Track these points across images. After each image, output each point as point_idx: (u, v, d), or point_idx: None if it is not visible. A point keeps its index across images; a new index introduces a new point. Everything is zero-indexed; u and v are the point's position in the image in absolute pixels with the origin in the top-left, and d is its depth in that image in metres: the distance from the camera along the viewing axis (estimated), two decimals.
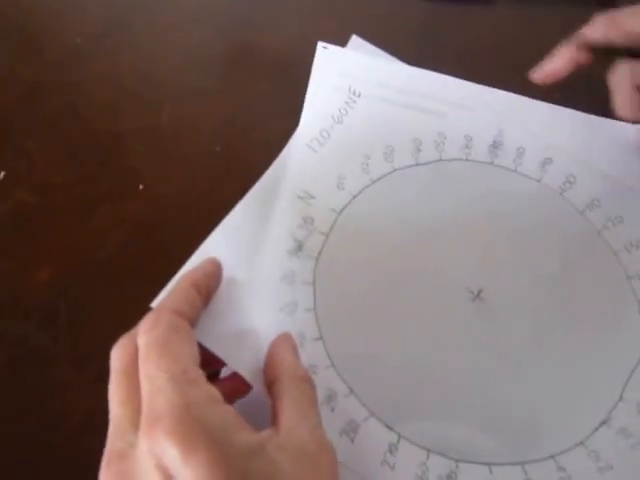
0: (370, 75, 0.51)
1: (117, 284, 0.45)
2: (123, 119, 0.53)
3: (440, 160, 0.48)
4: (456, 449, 0.39)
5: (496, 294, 0.43)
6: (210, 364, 0.36)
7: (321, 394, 0.39)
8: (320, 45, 0.51)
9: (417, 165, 0.48)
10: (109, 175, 0.50)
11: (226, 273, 0.39)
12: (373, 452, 0.38)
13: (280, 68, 0.56)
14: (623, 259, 0.45)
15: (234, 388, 0.37)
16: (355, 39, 0.54)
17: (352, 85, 0.50)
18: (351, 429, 0.39)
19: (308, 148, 0.47)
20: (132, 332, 0.33)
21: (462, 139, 0.49)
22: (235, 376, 0.37)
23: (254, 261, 0.42)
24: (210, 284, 0.37)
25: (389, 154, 0.48)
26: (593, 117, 0.49)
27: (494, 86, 0.50)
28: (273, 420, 0.33)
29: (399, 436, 0.39)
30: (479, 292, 0.43)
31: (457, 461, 0.38)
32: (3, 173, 0.49)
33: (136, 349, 0.32)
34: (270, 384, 0.34)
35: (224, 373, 0.39)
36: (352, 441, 0.38)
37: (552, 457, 0.39)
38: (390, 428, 0.39)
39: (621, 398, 0.41)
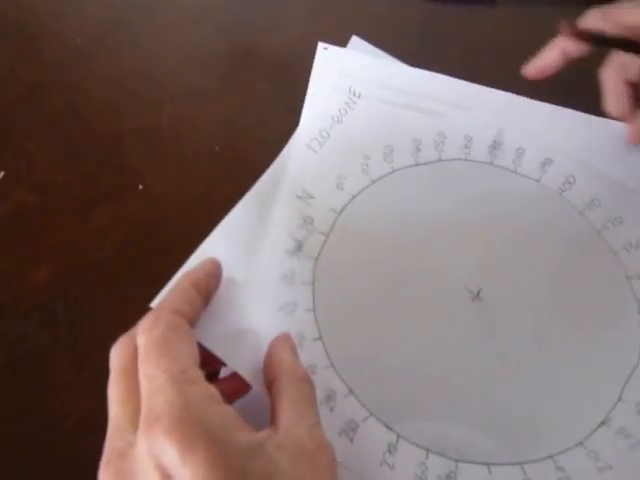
0: (370, 75, 0.51)
1: (117, 284, 0.45)
2: (123, 119, 0.53)
3: (440, 160, 0.48)
4: (455, 449, 0.39)
5: (495, 294, 0.43)
6: (209, 364, 0.36)
7: (320, 394, 0.39)
8: (320, 46, 0.51)
9: (417, 165, 0.48)
10: (109, 175, 0.50)
11: (226, 273, 0.39)
12: (372, 452, 0.38)
13: (280, 68, 0.56)
14: (623, 259, 0.45)
15: (233, 388, 0.37)
16: (355, 40, 0.54)
17: (352, 85, 0.50)
18: (350, 429, 0.39)
19: (308, 148, 0.47)
20: (131, 332, 0.33)
21: (462, 139, 0.49)
22: (234, 376, 0.37)
23: (254, 261, 0.42)
24: (210, 284, 0.37)
25: (389, 154, 0.48)
26: (593, 117, 0.49)
27: (494, 86, 0.50)
28: (272, 420, 0.33)
29: (398, 436, 0.39)
30: (478, 292, 0.43)
31: (456, 461, 0.38)
32: (3, 173, 0.49)
33: (135, 349, 0.32)
34: (269, 384, 0.34)
35: (223, 373, 0.39)
36: (351, 441, 0.38)
37: (551, 457, 0.39)
38: (389, 428, 0.39)
39: (620, 398, 0.41)
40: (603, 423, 0.40)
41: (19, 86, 0.54)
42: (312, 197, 0.45)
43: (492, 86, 0.50)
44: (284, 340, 0.37)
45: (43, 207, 0.48)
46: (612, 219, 0.46)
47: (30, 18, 0.58)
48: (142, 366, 0.31)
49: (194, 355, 0.32)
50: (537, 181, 0.48)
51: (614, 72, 0.46)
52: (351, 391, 0.40)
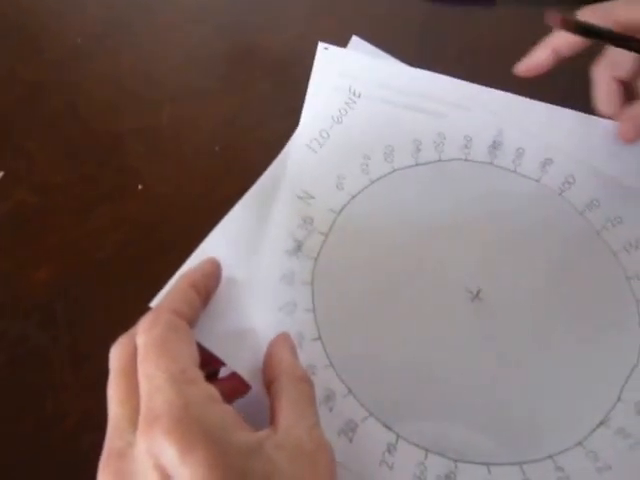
0: (370, 76, 0.51)
1: (116, 284, 0.45)
2: (123, 119, 0.53)
3: (440, 160, 0.48)
4: (455, 449, 0.39)
5: (495, 294, 0.43)
6: (209, 364, 0.36)
7: (320, 394, 0.39)
8: (321, 46, 0.51)
9: (417, 165, 0.48)
10: (109, 175, 0.50)
11: (225, 273, 0.39)
12: (371, 452, 0.38)
13: (280, 68, 0.56)
14: (622, 259, 0.45)
15: (233, 388, 0.37)
16: (355, 40, 0.54)
17: (352, 85, 0.50)
18: (350, 429, 0.39)
19: (308, 148, 0.47)
20: (131, 332, 0.33)
21: (462, 139, 0.49)
22: (234, 376, 0.37)
23: (253, 261, 0.42)
24: (209, 284, 0.37)
25: (389, 154, 0.48)
26: (592, 117, 0.49)
27: (494, 86, 0.50)
28: (271, 420, 0.33)
29: (397, 436, 0.39)
30: (478, 292, 0.43)
31: (456, 461, 0.38)
32: (2, 173, 0.49)
33: (135, 349, 0.32)
34: (269, 384, 0.34)
35: (223, 373, 0.39)
36: (350, 441, 0.38)
37: (550, 457, 0.39)
38: (389, 428, 0.39)
39: (619, 398, 0.41)
40: (602, 423, 0.40)
41: (19, 86, 0.54)
42: (312, 197, 0.45)
43: (492, 86, 0.50)
44: (283, 340, 0.37)
45: (43, 207, 0.48)
46: (612, 219, 0.46)
47: (30, 18, 0.59)
48: (141, 366, 0.31)
49: (193, 355, 0.32)
50: (537, 181, 0.48)
51: (606, 69, 0.46)
52: (350, 391, 0.40)
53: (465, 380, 0.41)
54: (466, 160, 0.48)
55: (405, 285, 0.44)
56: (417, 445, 0.39)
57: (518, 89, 0.50)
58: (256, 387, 0.36)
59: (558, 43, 0.46)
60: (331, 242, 0.44)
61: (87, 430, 0.40)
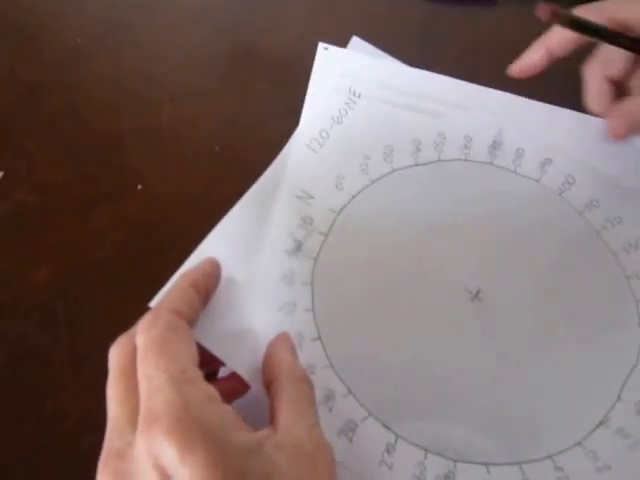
0: (370, 76, 0.51)
1: (116, 284, 0.45)
2: (123, 119, 0.53)
3: (439, 160, 0.48)
4: (454, 449, 0.39)
5: (494, 294, 0.43)
6: (208, 364, 0.36)
7: (319, 394, 0.39)
8: (321, 46, 0.51)
9: (416, 165, 0.48)
10: (109, 175, 0.50)
11: (225, 273, 0.39)
12: (371, 452, 0.38)
13: (280, 68, 0.56)
14: (622, 259, 0.45)
15: (232, 388, 0.37)
16: (356, 40, 0.54)
17: (352, 86, 0.50)
18: (349, 429, 0.39)
19: (307, 148, 0.47)
20: (130, 331, 0.33)
21: (462, 139, 0.49)
22: (233, 376, 0.37)
23: (253, 261, 0.42)
24: (209, 284, 0.37)
25: (388, 154, 0.48)
26: (592, 117, 0.49)
27: (494, 86, 0.50)
28: (271, 420, 0.33)
29: (397, 436, 0.39)
30: (478, 292, 0.43)
31: (455, 461, 0.38)
32: (2, 173, 0.49)
33: (134, 348, 0.32)
34: (268, 384, 0.34)
35: (222, 373, 0.39)
36: (350, 441, 0.38)
37: (550, 457, 0.39)
38: (388, 428, 0.39)
39: (619, 398, 0.41)
40: (602, 423, 0.40)
41: (19, 86, 0.54)
42: (312, 197, 0.45)
43: (492, 86, 0.50)
44: (283, 340, 0.37)
45: (43, 207, 0.48)
46: (611, 219, 0.46)
47: (30, 18, 0.58)
48: (141, 366, 0.31)
49: (193, 355, 0.32)
50: (537, 181, 0.48)
51: (597, 68, 0.46)
52: (350, 391, 0.40)
53: (465, 380, 0.41)
54: (466, 160, 0.48)
55: (405, 285, 0.44)
56: (416, 445, 0.39)
57: (518, 89, 0.50)
58: (255, 387, 0.36)
59: (551, 43, 0.46)
60: (331, 242, 0.44)
61: (87, 430, 0.40)
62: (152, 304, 0.39)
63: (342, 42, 0.53)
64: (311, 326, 0.41)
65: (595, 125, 0.49)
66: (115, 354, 0.32)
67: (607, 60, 0.46)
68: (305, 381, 0.34)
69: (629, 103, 0.46)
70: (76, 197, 0.49)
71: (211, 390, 0.31)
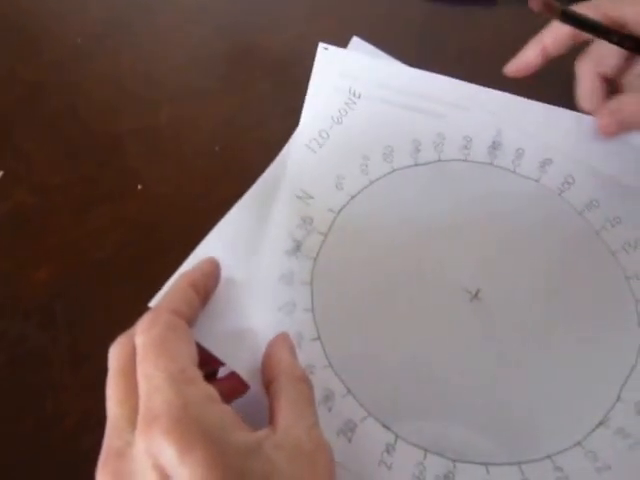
0: (370, 76, 0.51)
1: (116, 284, 0.45)
2: (123, 119, 0.53)
3: (439, 161, 0.48)
4: (454, 449, 0.39)
5: (494, 294, 0.43)
6: (208, 364, 0.36)
7: (319, 394, 0.39)
8: (321, 46, 0.51)
9: (416, 165, 0.48)
10: (108, 175, 0.50)
11: (224, 273, 0.39)
12: (370, 452, 0.38)
13: (280, 68, 0.56)
14: (621, 259, 0.45)
15: (232, 388, 0.37)
16: (356, 40, 0.54)
17: (352, 86, 0.50)
18: (348, 429, 0.39)
19: (307, 148, 0.47)
20: (130, 331, 0.33)
21: (461, 140, 0.49)
22: (233, 376, 0.37)
23: (252, 261, 0.42)
24: (208, 284, 0.37)
25: (388, 155, 0.48)
26: (591, 117, 0.49)
27: (494, 86, 0.50)
28: (270, 420, 0.33)
29: (396, 436, 0.39)
30: (477, 292, 0.43)
31: (454, 461, 0.38)
32: (2, 173, 0.49)
33: (134, 348, 0.32)
34: (268, 384, 0.34)
35: (222, 373, 0.39)
36: (349, 441, 0.38)
37: (549, 457, 0.39)
38: (387, 428, 0.39)
39: (619, 398, 0.41)
40: (601, 423, 0.40)
41: (19, 86, 0.54)
42: (311, 197, 0.45)
43: (492, 86, 0.50)
44: (282, 340, 0.37)
45: (43, 207, 0.48)
46: (611, 219, 0.46)
47: (30, 18, 0.59)
48: (140, 366, 0.31)
49: (192, 355, 0.32)
50: (536, 181, 0.48)
51: (590, 64, 0.47)
52: (349, 391, 0.40)
53: (464, 380, 0.41)
54: (466, 160, 0.48)
55: (404, 285, 0.44)
56: (416, 445, 0.39)
57: (518, 89, 0.50)
58: (255, 387, 0.36)
59: (546, 42, 0.46)
60: (330, 242, 0.44)
61: (87, 430, 0.40)
62: (151, 304, 0.39)
63: (342, 42, 0.53)
64: (310, 326, 0.41)
65: (595, 125, 0.49)
66: (114, 354, 0.32)
67: (600, 57, 0.46)
68: (304, 381, 0.34)
69: (619, 100, 0.46)
70: (76, 197, 0.49)
71: (210, 390, 0.31)
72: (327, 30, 0.56)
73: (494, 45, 0.57)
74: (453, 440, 0.39)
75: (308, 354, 0.40)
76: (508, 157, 0.48)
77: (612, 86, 0.48)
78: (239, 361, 0.37)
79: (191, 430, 0.28)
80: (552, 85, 0.47)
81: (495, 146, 0.49)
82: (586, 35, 0.45)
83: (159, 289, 0.39)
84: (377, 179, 0.47)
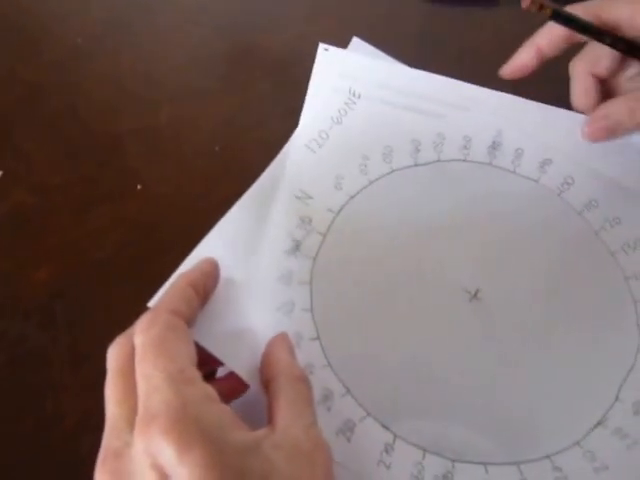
0: (370, 76, 0.51)
1: (116, 284, 0.46)
2: (123, 119, 0.53)
3: (439, 161, 0.48)
4: (452, 449, 0.39)
5: (493, 294, 0.43)
6: (207, 364, 0.36)
7: (318, 394, 0.39)
8: (321, 47, 0.51)
9: (416, 166, 0.48)
10: (108, 175, 0.50)
11: (223, 273, 0.39)
12: (369, 452, 0.38)
13: (280, 68, 0.56)
14: (620, 260, 0.45)
15: (231, 387, 0.37)
16: (356, 41, 0.54)
17: (352, 86, 0.50)
18: (347, 429, 0.39)
19: (307, 149, 0.47)
20: (129, 331, 0.33)
21: (461, 140, 0.49)
22: (232, 375, 0.37)
23: (251, 261, 0.42)
24: (207, 284, 0.37)
25: (388, 155, 0.48)
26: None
27: (494, 86, 0.50)
28: (269, 419, 0.33)
29: (395, 436, 0.39)
30: (476, 292, 0.43)
31: (453, 461, 0.38)
32: (1, 173, 0.49)
33: (133, 348, 0.32)
34: (266, 383, 0.34)
35: (221, 373, 0.39)
36: (348, 440, 0.38)
37: (548, 457, 0.39)
38: (386, 428, 0.39)
39: (617, 398, 0.41)
40: (600, 423, 0.40)
41: (19, 86, 0.54)
42: (310, 197, 0.46)
43: (492, 86, 0.50)
44: (281, 340, 0.37)
45: (43, 207, 0.48)
46: (610, 220, 0.46)
47: (30, 19, 0.59)
48: (139, 366, 0.31)
49: (191, 355, 0.32)
50: (536, 182, 0.48)
51: (584, 65, 0.47)
52: (348, 391, 0.40)
53: (464, 380, 0.41)
54: (465, 160, 0.48)
55: (403, 285, 0.44)
56: (415, 445, 0.39)
57: (518, 89, 0.50)
58: (254, 387, 0.36)
59: (540, 44, 0.46)
60: (329, 242, 0.44)
61: (87, 430, 0.40)
62: (150, 304, 0.39)
63: (342, 42, 0.53)
64: (309, 326, 0.41)
65: (583, 131, 0.49)
66: (113, 354, 0.33)
67: (594, 58, 0.46)
68: (303, 381, 0.34)
69: (607, 107, 0.46)
70: (76, 197, 0.49)
71: (209, 390, 0.31)
72: (327, 30, 0.56)
73: (494, 45, 0.57)
74: (452, 440, 0.39)
75: (307, 354, 0.40)
76: (508, 157, 0.48)
77: (606, 87, 0.48)
78: (238, 361, 0.37)
79: (190, 430, 0.28)
80: (552, 85, 0.47)
81: (495, 146, 0.49)
82: (581, 36, 0.45)
83: (159, 289, 0.39)
84: (376, 179, 0.47)
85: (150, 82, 0.55)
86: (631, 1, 0.44)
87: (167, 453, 0.27)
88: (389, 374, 0.41)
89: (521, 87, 0.49)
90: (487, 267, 0.45)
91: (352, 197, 0.46)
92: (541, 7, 0.42)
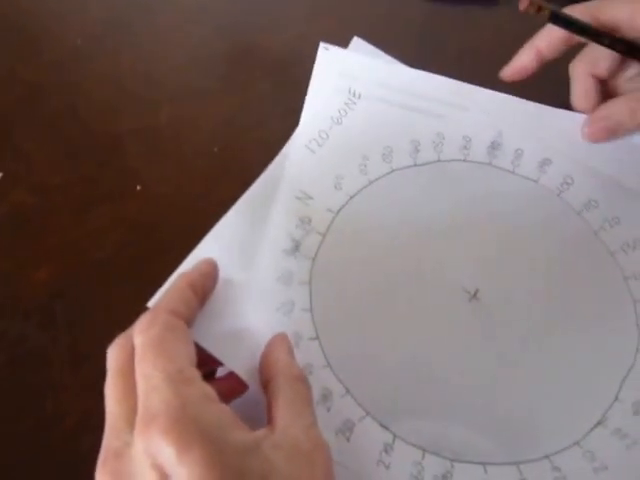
0: (370, 76, 0.51)
1: (116, 284, 0.46)
2: (122, 119, 0.53)
3: (438, 161, 0.48)
4: (452, 449, 0.39)
5: (492, 294, 0.43)
6: (206, 364, 0.36)
7: (317, 394, 0.39)
8: (322, 46, 0.51)
9: (415, 166, 0.48)
10: (108, 175, 0.50)
11: (223, 273, 0.39)
12: (369, 451, 0.38)
13: (280, 68, 0.56)
14: (620, 260, 0.45)
15: (230, 388, 0.37)
16: (357, 41, 0.54)
17: (352, 86, 0.50)
18: (347, 428, 0.39)
19: (306, 149, 0.47)
20: (128, 332, 0.33)
21: (461, 140, 0.49)
22: (231, 376, 0.37)
23: (251, 261, 0.42)
24: (206, 284, 0.37)
25: (387, 155, 0.48)
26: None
27: (494, 87, 0.50)
28: (269, 419, 0.33)
29: (394, 436, 0.39)
30: (475, 292, 0.43)
31: (452, 461, 0.39)
32: (1, 174, 0.49)
33: (132, 349, 0.32)
34: (265, 384, 0.35)
35: (220, 373, 0.39)
36: (348, 440, 0.38)
37: (547, 457, 0.39)
38: (386, 428, 0.39)
39: (617, 398, 0.41)
40: (599, 423, 0.40)
41: (19, 86, 0.54)
42: (310, 197, 0.46)
43: (492, 86, 0.50)
44: (280, 340, 0.37)
45: (43, 207, 0.48)
46: (609, 220, 0.46)
47: (30, 19, 0.59)
48: (139, 366, 0.31)
49: (191, 355, 0.32)
50: (535, 182, 0.48)
51: (584, 65, 0.47)
52: (348, 391, 0.40)
53: (462, 380, 0.41)
54: (465, 161, 0.48)
55: (403, 285, 0.44)
56: (414, 445, 0.39)
57: (517, 90, 0.50)
58: (253, 387, 0.36)
59: (540, 45, 0.46)
60: (329, 242, 0.44)
61: (87, 430, 0.40)
62: (150, 304, 0.39)
63: (342, 42, 0.53)
64: (309, 326, 0.41)
65: (582, 131, 0.49)
66: (113, 354, 0.33)
67: (594, 59, 0.47)
68: (302, 381, 0.34)
69: (607, 108, 0.46)
70: (76, 197, 0.49)
71: (208, 390, 0.31)
72: (327, 30, 0.56)
73: (494, 45, 0.57)
74: (452, 440, 0.39)
75: (306, 354, 0.40)
76: (507, 157, 0.48)
77: (606, 87, 0.48)
78: (237, 361, 0.37)
79: (189, 430, 0.28)
80: (552, 86, 0.47)
81: (494, 146, 0.49)
82: (580, 38, 0.45)
83: (159, 289, 0.39)
84: (376, 179, 0.47)
85: (150, 82, 0.55)
86: (630, 1, 0.44)
87: (167, 453, 0.27)
88: (388, 374, 0.41)
89: (521, 88, 0.49)
90: (486, 267, 0.45)
91: (352, 197, 0.46)
92: (539, 9, 0.42)
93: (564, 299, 0.44)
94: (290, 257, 0.43)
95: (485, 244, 0.46)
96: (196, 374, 0.31)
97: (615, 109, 0.46)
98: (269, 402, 0.33)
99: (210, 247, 0.42)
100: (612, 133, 0.46)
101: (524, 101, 0.50)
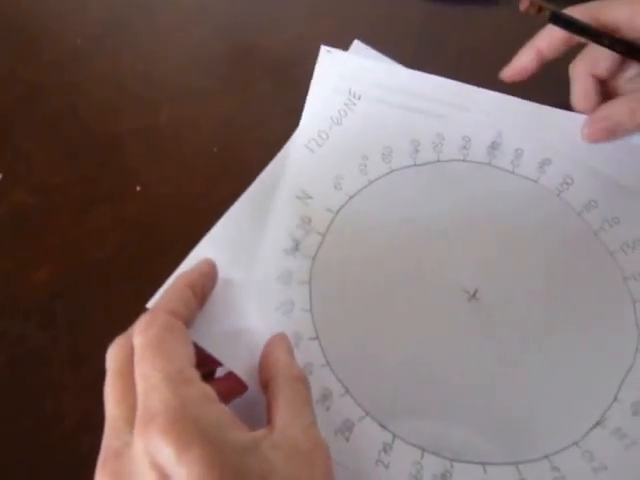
0: (370, 78, 0.51)
1: (116, 284, 0.46)
2: (122, 119, 0.53)
3: (438, 161, 0.48)
4: (451, 449, 0.39)
5: (492, 294, 0.43)
6: (206, 364, 0.36)
7: (317, 393, 0.39)
8: (323, 49, 0.51)
9: (415, 166, 0.48)
10: (108, 175, 0.50)
11: (222, 273, 0.39)
12: (368, 451, 0.38)
13: (280, 68, 0.56)
14: (619, 260, 0.45)
15: (230, 388, 0.37)
16: (357, 44, 0.54)
17: (352, 87, 0.50)
18: (346, 428, 0.39)
19: (306, 149, 0.47)
20: (128, 332, 0.33)
21: (460, 140, 0.49)
22: (231, 376, 0.37)
23: (250, 261, 0.42)
24: (205, 284, 0.37)
25: (387, 155, 0.48)
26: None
27: (494, 87, 0.50)
28: (268, 419, 0.33)
29: (394, 435, 0.39)
30: (475, 292, 0.43)
31: (452, 460, 0.39)
32: (1, 175, 0.49)
33: (132, 349, 0.32)
34: (265, 384, 0.35)
35: (219, 373, 0.39)
36: (347, 440, 0.38)
37: (546, 457, 0.39)
38: (385, 427, 0.39)
39: (616, 399, 0.41)
40: (598, 423, 0.40)
41: (19, 86, 0.54)
42: (310, 197, 0.46)
43: (492, 87, 0.50)
44: (280, 340, 0.37)
45: (43, 207, 0.48)
46: (609, 220, 0.46)
47: (30, 19, 0.59)
48: (138, 366, 0.31)
49: (190, 355, 0.32)
50: (535, 182, 0.48)
51: (584, 66, 0.47)
52: (347, 390, 0.40)
53: (462, 380, 0.41)
54: (465, 161, 0.48)
55: (403, 285, 0.44)
56: (413, 444, 0.39)
57: (517, 90, 0.50)
58: (253, 387, 0.36)
59: (540, 46, 0.46)
60: (329, 242, 0.44)
61: (87, 430, 0.40)
62: (149, 305, 0.39)
63: (342, 42, 0.53)
64: (309, 325, 0.41)
65: (582, 132, 0.49)
66: (112, 354, 0.33)
67: (594, 59, 0.47)
68: (301, 381, 0.34)
69: (607, 108, 0.46)
70: (76, 197, 0.49)
71: (208, 390, 0.31)
72: (327, 30, 0.56)
73: (494, 45, 0.57)
74: (451, 440, 0.39)
75: (306, 353, 0.40)
76: (507, 157, 0.48)
77: (606, 88, 0.48)
78: (237, 361, 0.37)
79: (188, 429, 0.28)
80: (552, 86, 0.47)
81: (494, 146, 0.49)
82: (580, 38, 0.45)
83: (159, 289, 0.39)
84: (376, 179, 0.47)
85: (150, 82, 0.55)
86: (630, 2, 0.44)
87: (166, 453, 0.27)
88: (388, 374, 0.41)
89: (521, 88, 0.49)
90: (486, 267, 0.45)
91: (351, 197, 0.46)
92: (539, 9, 0.42)
93: (564, 299, 0.44)
94: (290, 257, 0.43)
95: (485, 244, 0.46)
96: (195, 374, 0.31)
97: (615, 109, 0.46)
98: (269, 402, 0.33)
99: (210, 247, 0.42)
100: (612, 133, 0.46)
101: (524, 101, 0.50)
